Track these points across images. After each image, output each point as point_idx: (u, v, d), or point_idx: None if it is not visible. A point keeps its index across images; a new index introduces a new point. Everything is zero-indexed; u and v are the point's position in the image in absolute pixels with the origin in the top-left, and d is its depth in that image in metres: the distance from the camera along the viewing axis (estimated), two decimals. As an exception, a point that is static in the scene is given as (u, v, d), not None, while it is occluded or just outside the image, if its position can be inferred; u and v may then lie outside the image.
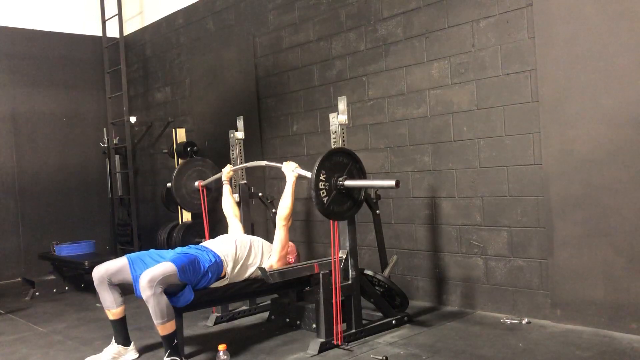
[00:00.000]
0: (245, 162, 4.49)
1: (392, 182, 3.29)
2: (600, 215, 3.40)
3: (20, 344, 3.97)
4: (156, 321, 3.12)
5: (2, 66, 6.44)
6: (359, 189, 3.52)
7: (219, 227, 5.08)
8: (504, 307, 3.88)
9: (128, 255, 3.44)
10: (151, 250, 3.55)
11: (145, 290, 3.05)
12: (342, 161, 3.43)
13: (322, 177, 3.31)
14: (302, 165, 5.27)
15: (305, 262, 3.68)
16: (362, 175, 3.55)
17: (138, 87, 7.30)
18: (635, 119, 3.24)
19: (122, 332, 3.46)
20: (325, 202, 3.33)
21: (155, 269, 3.12)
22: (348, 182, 3.39)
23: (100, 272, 3.37)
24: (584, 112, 3.43)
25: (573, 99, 3.47)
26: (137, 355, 3.48)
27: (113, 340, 3.46)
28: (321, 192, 3.31)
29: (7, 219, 6.35)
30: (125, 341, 3.46)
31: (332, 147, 3.61)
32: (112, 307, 3.41)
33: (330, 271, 3.47)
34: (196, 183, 4.64)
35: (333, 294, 3.39)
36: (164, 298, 3.10)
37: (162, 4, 6.80)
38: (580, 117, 3.45)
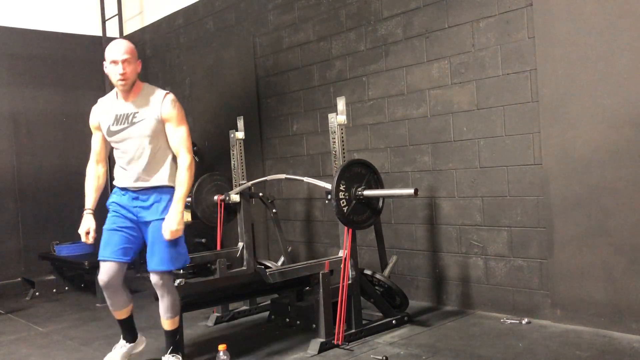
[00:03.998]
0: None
1: (411, 191, 3.36)
2: (600, 215, 3.40)
3: (20, 344, 3.97)
4: (169, 314, 3.14)
5: (2, 66, 6.43)
6: (377, 198, 3.60)
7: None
8: (504, 307, 3.88)
9: (112, 253, 3.10)
10: (114, 229, 3.15)
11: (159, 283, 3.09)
12: (361, 172, 3.54)
13: (341, 188, 3.42)
14: (302, 165, 5.31)
15: (315, 260, 3.69)
16: (380, 185, 3.63)
17: (138, 87, 7.29)
18: (635, 119, 3.24)
19: (130, 330, 3.37)
20: (345, 211, 3.43)
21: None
22: (367, 192, 3.49)
23: (105, 279, 3.12)
24: (584, 112, 3.43)
25: (573, 99, 3.47)
26: (144, 341, 3.48)
27: (123, 341, 3.36)
28: (341, 202, 3.41)
29: (7, 219, 6.34)
30: (134, 338, 3.39)
31: (332, 147, 3.63)
32: (124, 306, 3.25)
33: (331, 271, 3.48)
34: (215, 197, 4.65)
35: (339, 293, 3.40)
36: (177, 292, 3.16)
37: (162, 4, 6.80)
38: (580, 117, 3.45)
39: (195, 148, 6.04)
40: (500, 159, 3.85)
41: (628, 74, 3.25)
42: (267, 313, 4.19)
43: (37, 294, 5.58)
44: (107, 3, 6.95)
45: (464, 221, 4.07)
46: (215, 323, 4.11)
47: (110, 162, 3.36)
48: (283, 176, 4.38)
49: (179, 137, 3.10)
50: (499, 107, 3.83)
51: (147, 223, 3.11)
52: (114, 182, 3.23)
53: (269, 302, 4.24)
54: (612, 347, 3.14)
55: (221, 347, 3.04)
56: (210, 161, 6.09)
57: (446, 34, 4.08)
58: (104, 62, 3.06)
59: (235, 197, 4.39)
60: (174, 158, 3.17)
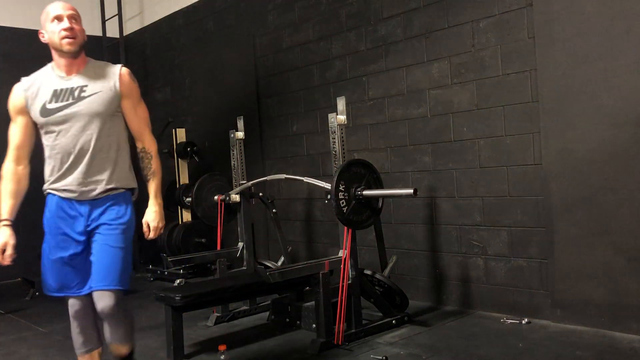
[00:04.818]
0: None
1: (411, 191, 3.37)
2: (600, 215, 3.40)
3: (20, 344, 3.97)
4: (126, 340, 2.54)
5: (2, 66, 6.43)
6: (377, 198, 3.60)
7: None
8: (504, 307, 3.88)
9: (78, 285, 2.51)
10: (68, 257, 2.53)
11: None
12: (360, 172, 3.54)
13: (341, 188, 3.42)
14: (302, 165, 5.30)
15: (315, 260, 3.69)
16: (379, 185, 3.63)
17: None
18: (636, 119, 3.24)
19: None
20: (345, 211, 3.43)
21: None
22: (367, 192, 3.49)
23: (79, 310, 2.54)
24: (584, 112, 3.43)
25: (573, 99, 3.47)
26: None
27: None
28: (341, 202, 3.41)
29: (7, 219, 6.34)
30: None
31: (332, 147, 3.63)
32: (97, 345, 2.60)
33: (331, 271, 3.49)
34: (215, 197, 4.66)
35: (339, 293, 3.40)
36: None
37: (162, 4, 6.80)
38: (580, 117, 3.45)
39: (195, 148, 6.05)
40: (500, 159, 3.85)
41: (628, 74, 3.25)
42: (267, 313, 4.19)
43: (37, 294, 5.57)
44: (107, 3, 6.94)
45: (464, 221, 4.07)
46: (215, 323, 4.11)
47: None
48: (283, 176, 4.38)
49: (142, 117, 2.57)
50: (499, 107, 3.83)
51: (96, 231, 2.50)
52: (45, 187, 2.52)
53: (269, 302, 4.24)
54: (612, 347, 3.14)
55: (221, 347, 3.04)
56: (210, 161, 6.09)
57: (446, 34, 4.08)
58: (41, 31, 2.48)
59: (235, 197, 4.39)
60: (128, 151, 2.60)
